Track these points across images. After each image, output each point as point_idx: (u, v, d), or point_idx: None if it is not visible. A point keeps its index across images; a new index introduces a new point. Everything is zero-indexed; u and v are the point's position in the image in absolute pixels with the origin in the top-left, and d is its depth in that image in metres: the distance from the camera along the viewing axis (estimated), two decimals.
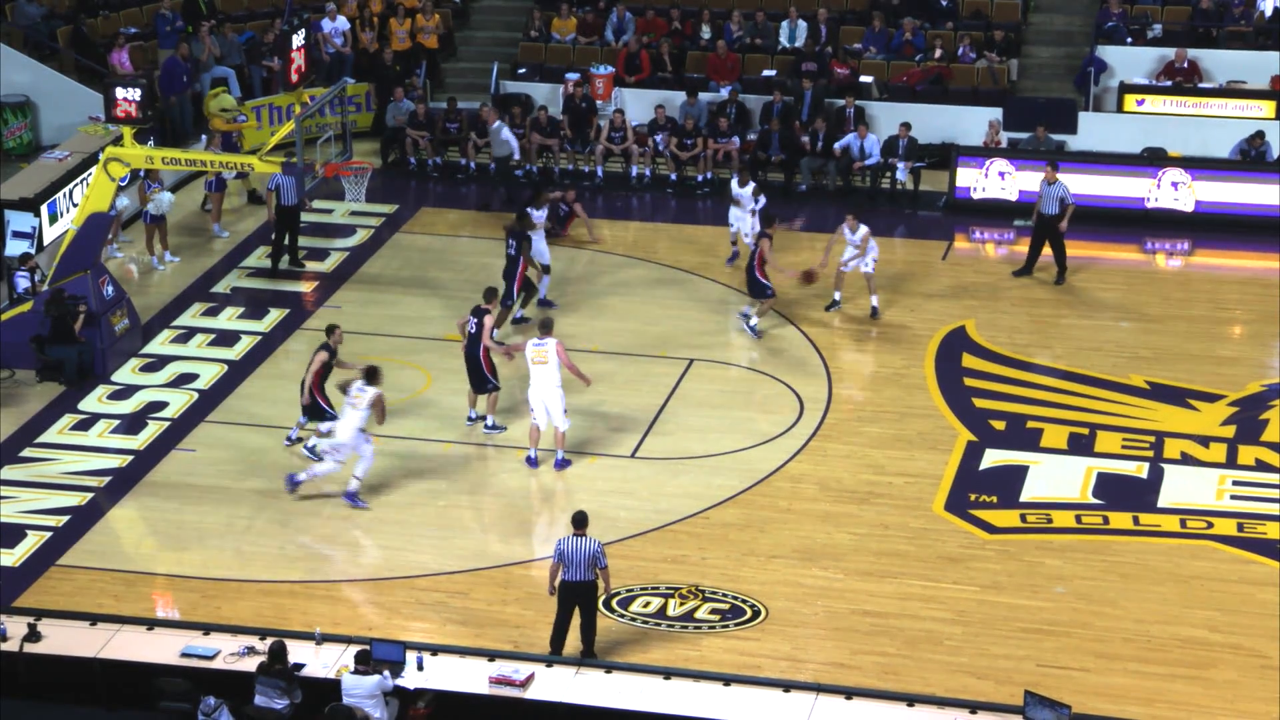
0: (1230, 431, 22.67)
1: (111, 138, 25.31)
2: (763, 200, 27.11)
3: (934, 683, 17.67)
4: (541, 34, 34.13)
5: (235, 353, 25.02)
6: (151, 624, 18.36)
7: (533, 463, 21.94)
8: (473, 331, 22.38)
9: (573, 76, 32.21)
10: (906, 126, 30.25)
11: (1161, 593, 19.32)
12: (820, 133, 30.55)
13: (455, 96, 32.30)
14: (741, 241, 27.27)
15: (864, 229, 25.38)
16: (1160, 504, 21.08)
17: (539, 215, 25.85)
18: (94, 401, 23.67)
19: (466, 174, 31.48)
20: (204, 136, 30.06)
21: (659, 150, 31.20)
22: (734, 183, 27.48)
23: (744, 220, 27.10)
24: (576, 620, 17.90)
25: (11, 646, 17.71)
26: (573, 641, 17.97)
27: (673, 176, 31.30)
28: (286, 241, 27.52)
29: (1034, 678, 17.64)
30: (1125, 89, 31.64)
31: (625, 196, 30.98)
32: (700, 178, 31.11)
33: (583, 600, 17.81)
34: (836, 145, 30.38)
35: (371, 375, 20.93)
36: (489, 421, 22.64)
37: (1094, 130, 31.09)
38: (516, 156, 30.40)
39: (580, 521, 17.79)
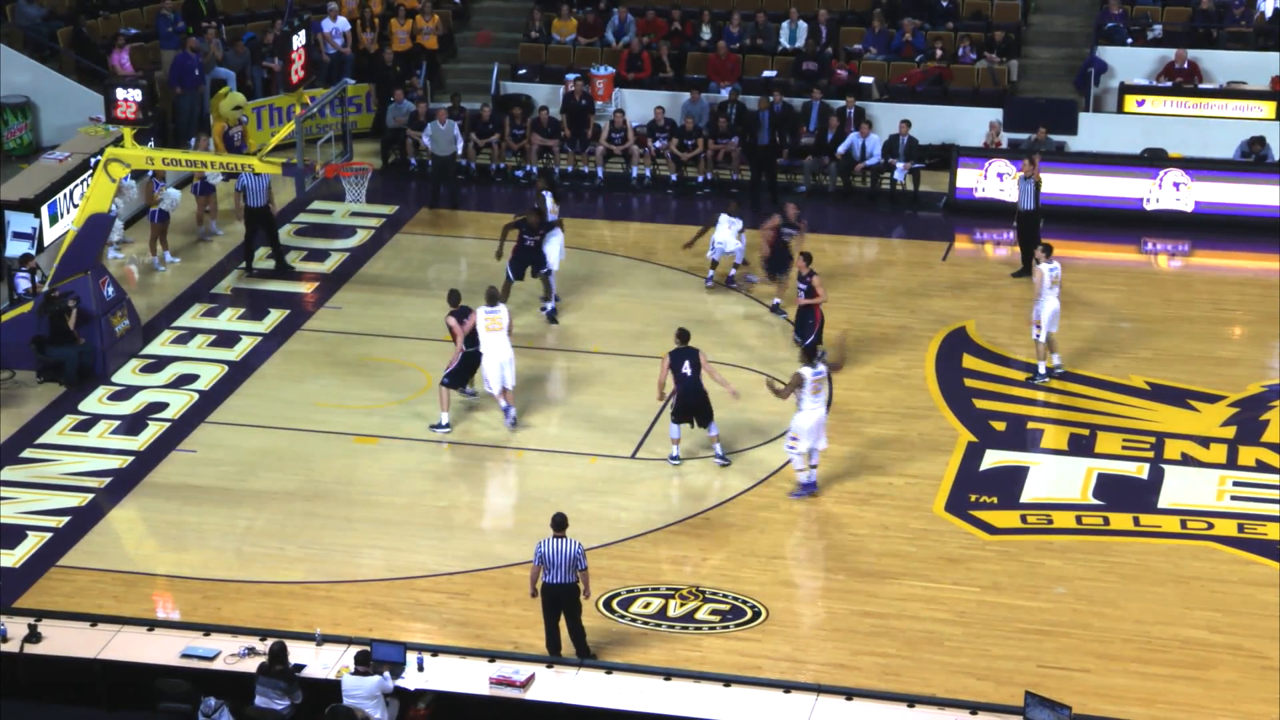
0: (1230, 432, 22.67)
1: (112, 138, 25.33)
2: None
3: (934, 683, 17.68)
4: (542, 35, 34.14)
5: (235, 353, 25.03)
6: (152, 625, 18.34)
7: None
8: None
9: (573, 77, 32.21)
10: (907, 124, 30.26)
11: (1162, 593, 19.32)
12: (831, 133, 30.56)
13: (459, 93, 32.25)
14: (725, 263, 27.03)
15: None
16: (1161, 505, 21.08)
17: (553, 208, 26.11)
18: (94, 402, 23.68)
19: (467, 174, 31.48)
20: (192, 140, 29.99)
21: (659, 151, 31.21)
22: (724, 216, 26.56)
23: (730, 240, 26.75)
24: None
25: (12, 647, 17.68)
26: (567, 644, 17.98)
27: (673, 177, 31.31)
28: (265, 243, 27.46)
29: (1034, 678, 17.65)
30: (1125, 90, 31.65)
31: (626, 197, 31.00)
32: (700, 178, 31.13)
33: (566, 602, 17.79)
34: (840, 148, 30.37)
35: (810, 354, 21.02)
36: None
37: (1094, 131, 31.10)
38: (459, 153, 30.51)
39: (560, 523, 17.77)
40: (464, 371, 22.83)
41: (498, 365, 22.52)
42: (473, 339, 22.57)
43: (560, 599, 17.74)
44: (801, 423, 20.80)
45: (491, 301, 22.65)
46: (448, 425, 22.74)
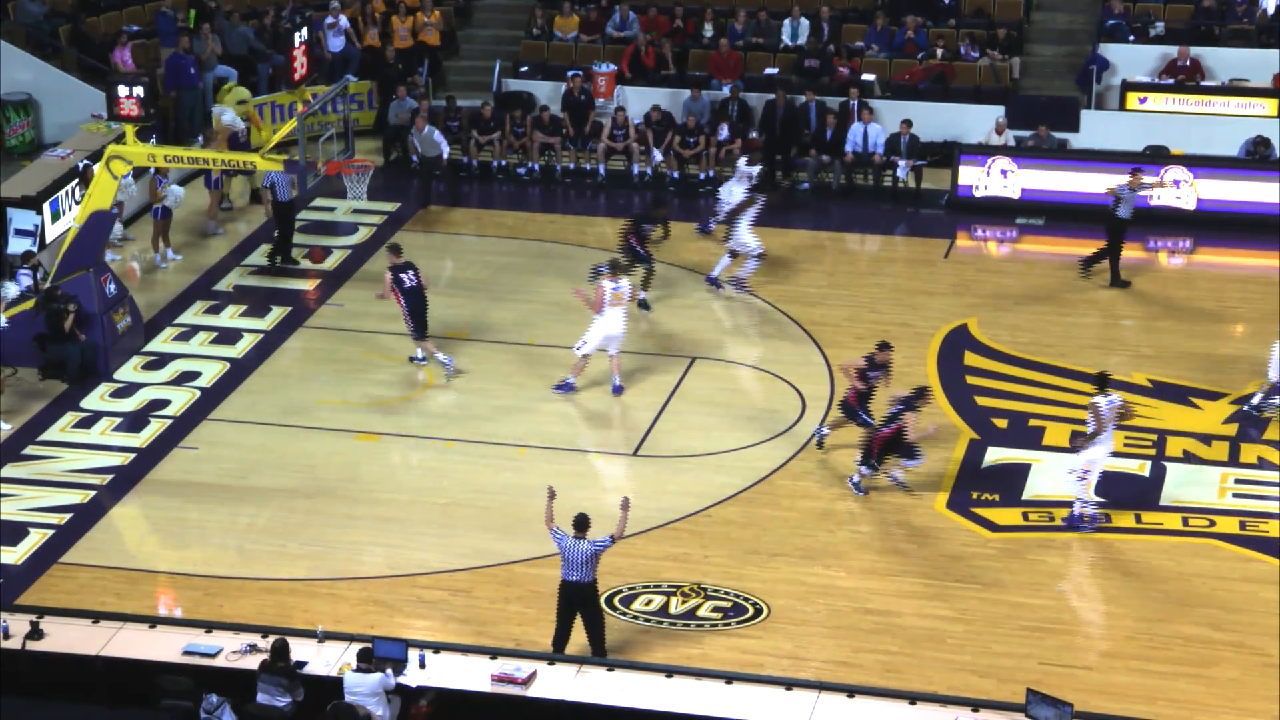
0: (1232, 430, 22.67)
1: (114, 136, 25.32)
2: (759, 168, 28.10)
3: (936, 681, 17.68)
4: (543, 32, 34.13)
5: (237, 351, 25.03)
6: (154, 622, 18.34)
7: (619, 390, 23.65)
8: (417, 283, 23.68)
9: (575, 74, 32.17)
10: (908, 124, 30.27)
11: (1164, 591, 19.32)
12: (829, 130, 30.56)
13: (454, 95, 32.28)
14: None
15: None
16: (1162, 502, 21.09)
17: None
18: (96, 399, 23.68)
19: (469, 171, 31.48)
20: (199, 137, 30.00)
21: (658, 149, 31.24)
22: (743, 161, 28.17)
23: (734, 191, 27.68)
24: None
25: (14, 644, 17.69)
26: (579, 643, 17.98)
27: (674, 175, 31.30)
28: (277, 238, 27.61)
29: (1036, 676, 17.65)
30: (1127, 87, 31.64)
31: (628, 195, 30.98)
32: (702, 175, 31.11)
33: (584, 602, 17.82)
34: (847, 146, 30.33)
35: (1103, 383, 20.46)
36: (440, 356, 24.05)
37: (1096, 128, 31.08)
38: (445, 157, 30.36)
39: (581, 524, 17.76)
40: (422, 315, 23.71)
41: (609, 335, 23.24)
42: (414, 293, 23.43)
43: (575, 598, 17.76)
44: (1098, 454, 20.37)
45: (615, 273, 23.44)
46: (448, 361, 23.74)
